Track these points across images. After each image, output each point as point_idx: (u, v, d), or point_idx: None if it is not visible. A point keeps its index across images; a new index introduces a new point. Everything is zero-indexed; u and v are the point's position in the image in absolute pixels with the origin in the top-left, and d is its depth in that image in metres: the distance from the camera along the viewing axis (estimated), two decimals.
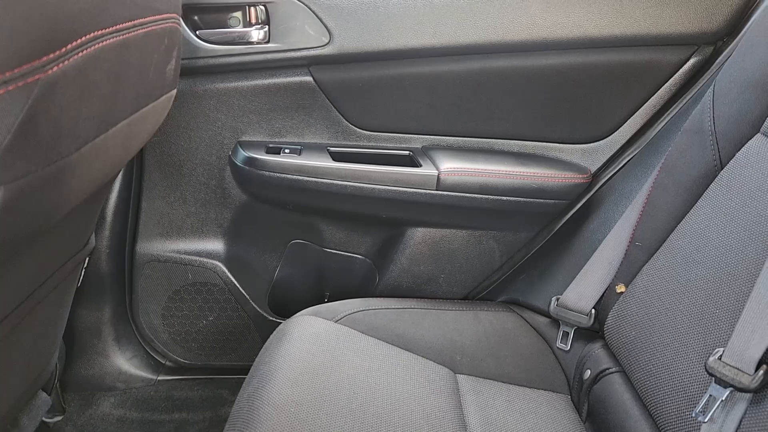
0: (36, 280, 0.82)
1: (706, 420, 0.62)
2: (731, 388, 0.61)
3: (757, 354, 0.60)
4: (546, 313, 1.02)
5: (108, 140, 0.64)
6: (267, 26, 1.02)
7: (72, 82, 0.53)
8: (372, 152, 1.09)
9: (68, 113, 0.53)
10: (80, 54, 0.53)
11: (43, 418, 1.21)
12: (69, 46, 0.51)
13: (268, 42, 1.02)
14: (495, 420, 0.85)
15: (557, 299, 0.98)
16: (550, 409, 0.91)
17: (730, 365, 0.61)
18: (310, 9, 1.00)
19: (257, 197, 1.13)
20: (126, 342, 1.24)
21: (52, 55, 0.49)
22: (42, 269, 0.82)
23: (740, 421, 0.60)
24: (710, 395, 0.63)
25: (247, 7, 1.02)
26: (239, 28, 1.03)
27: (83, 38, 0.53)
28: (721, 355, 0.63)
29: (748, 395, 0.61)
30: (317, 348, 0.90)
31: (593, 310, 0.92)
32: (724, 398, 0.61)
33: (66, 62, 0.51)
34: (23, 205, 0.52)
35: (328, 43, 1.02)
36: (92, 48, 0.55)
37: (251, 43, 1.02)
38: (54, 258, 0.85)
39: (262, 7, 1.01)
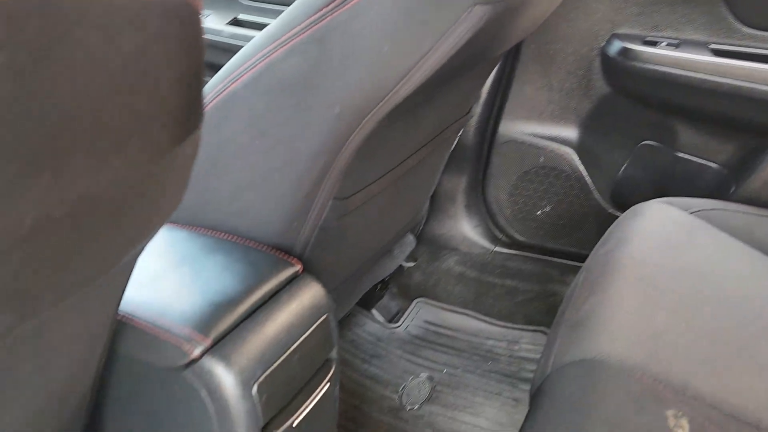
0: (432, 132, 0.99)
1: None
2: None
3: None
4: None
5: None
6: None
7: None
8: (759, 53, 1.04)
9: None
10: None
11: (402, 262, 1.46)
12: None
13: None
14: None
15: None
16: None
17: None
18: None
19: (623, 90, 1.17)
20: (474, 211, 1.42)
21: None
22: (438, 122, 0.99)
23: None
24: None
25: None
26: None
27: None
28: None
29: None
30: (671, 230, 0.94)
31: None
32: None
33: None
34: (491, 28, 0.65)
35: None
36: None
37: None
38: (447, 115, 1.01)
39: None
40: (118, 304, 0.55)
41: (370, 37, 0.62)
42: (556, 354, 0.73)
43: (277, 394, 0.65)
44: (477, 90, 1.08)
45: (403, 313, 1.39)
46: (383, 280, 1.39)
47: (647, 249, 0.87)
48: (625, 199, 1.27)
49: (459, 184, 1.38)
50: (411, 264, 1.46)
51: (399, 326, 1.36)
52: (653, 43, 1.09)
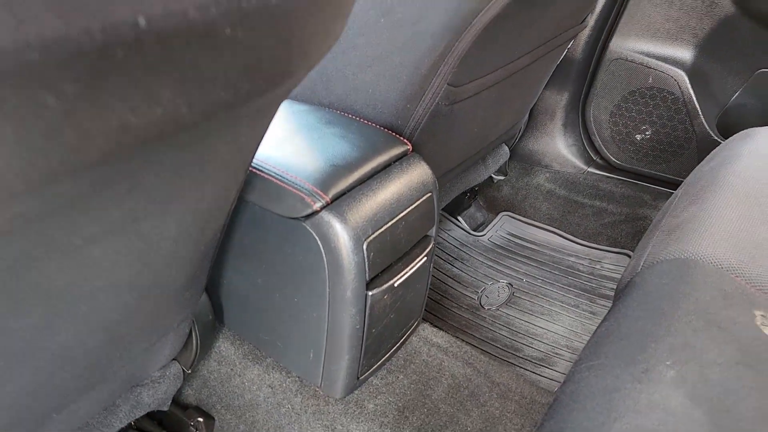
0: (545, 35, 0.99)
1: None
2: None
3: None
4: None
5: None
6: None
7: None
8: None
9: None
10: None
11: (493, 175, 1.49)
12: None
13: None
14: None
15: None
16: None
17: None
18: None
19: (750, 10, 1.12)
20: (571, 130, 1.41)
21: None
22: (552, 25, 0.98)
23: None
24: None
25: None
26: None
27: None
28: None
29: None
30: None
31: None
32: None
33: None
34: None
35: None
36: None
37: None
38: (562, 20, 1.00)
39: None
40: (255, 150, 0.61)
41: None
42: (650, 254, 0.75)
43: (383, 254, 0.71)
44: (590, 3, 1.06)
45: (488, 224, 1.43)
46: (472, 189, 1.42)
47: (754, 168, 0.86)
48: (732, 127, 1.23)
49: (560, 100, 1.37)
50: (501, 177, 1.48)
51: (483, 235, 1.40)
52: None
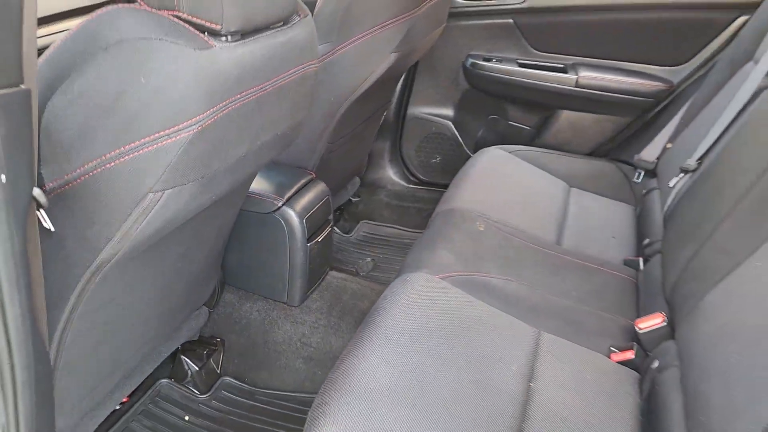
0: (371, 110, 1.82)
1: None
2: None
3: None
4: (631, 163, 1.82)
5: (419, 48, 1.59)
6: None
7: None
8: (542, 64, 1.94)
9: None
10: None
11: (351, 197, 2.29)
12: None
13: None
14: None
15: (638, 155, 1.77)
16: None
17: None
18: None
19: (475, 86, 2.05)
20: (394, 162, 2.27)
21: None
22: (375, 104, 1.82)
23: None
24: None
25: None
26: None
27: None
28: None
29: None
30: (499, 161, 1.81)
31: (656, 160, 1.70)
32: None
33: None
34: (401, 60, 1.49)
35: (524, 2, 1.88)
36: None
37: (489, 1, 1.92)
38: (373, 107, 1.85)
39: None
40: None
41: (348, 65, 1.45)
42: (437, 208, 1.59)
43: (313, 225, 1.47)
44: (394, 87, 1.93)
45: (353, 230, 2.22)
46: (339, 207, 2.21)
47: (485, 167, 1.74)
48: (480, 149, 2.15)
49: (385, 145, 2.23)
50: (357, 199, 2.29)
51: (351, 236, 2.19)
52: (489, 59, 1.97)
